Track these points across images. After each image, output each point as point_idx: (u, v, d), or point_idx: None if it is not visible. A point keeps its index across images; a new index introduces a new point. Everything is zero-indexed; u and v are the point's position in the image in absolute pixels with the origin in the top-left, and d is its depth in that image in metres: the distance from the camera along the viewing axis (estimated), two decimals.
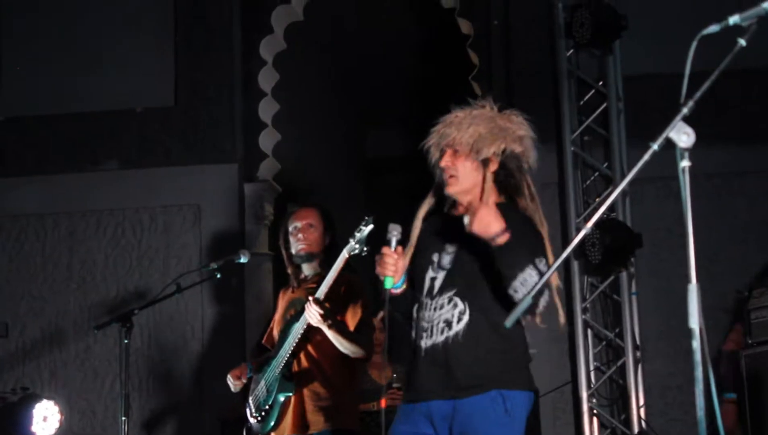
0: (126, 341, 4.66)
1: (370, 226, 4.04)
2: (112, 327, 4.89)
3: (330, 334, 4.31)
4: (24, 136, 6.96)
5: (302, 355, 4.46)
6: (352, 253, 4.14)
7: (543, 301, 3.13)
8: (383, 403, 3.45)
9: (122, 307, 5.92)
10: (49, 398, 5.75)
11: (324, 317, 4.23)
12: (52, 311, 6.71)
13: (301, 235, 4.54)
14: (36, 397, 5.73)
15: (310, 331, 4.35)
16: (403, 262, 3.28)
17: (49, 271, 6.76)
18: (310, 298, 4.26)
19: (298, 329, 4.36)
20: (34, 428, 5.56)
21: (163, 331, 6.56)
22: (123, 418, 4.64)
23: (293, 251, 4.58)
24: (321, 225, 4.58)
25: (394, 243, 3.26)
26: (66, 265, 6.76)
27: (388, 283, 3.26)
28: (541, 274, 3.04)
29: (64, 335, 6.65)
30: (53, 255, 6.79)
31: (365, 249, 4.09)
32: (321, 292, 4.26)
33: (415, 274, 3.39)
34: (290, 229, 4.60)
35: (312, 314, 4.23)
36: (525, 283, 3.04)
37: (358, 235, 4.08)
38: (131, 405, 4.85)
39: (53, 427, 5.67)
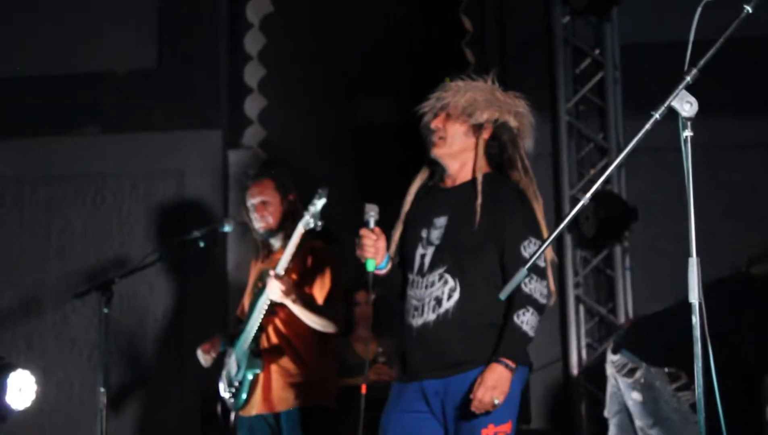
0: (106, 310, 4.60)
1: (323, 200, 3.99)
2: (90, 296, 4.86)
3: (295, 309, 4.18)
4: (0, 97, 6.75)
5: (270, 330, 4.34)
6: (307, 228, 4.06)
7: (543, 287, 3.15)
8: (363, 388, 3.35)
9: (102, 276, 5.78)
10: (24, 368, 5.63)
11: (286, 292, 4.10)
12: (28, 280, 6.57)
13: (257, 215, 4.40)
14: (11, 367, 5.59)
15: (277, 304, 4.23)
16: (384, 242, 3.22)
17: (26, 238, 6.62)
18: (271, 272, 4.14)
19: (262, 303, 4.24)
20: (8, 399, 5.44)
21: (143, 300, 6.42)
22: (102, 389, 4.58)
23: (255, 227, 4.46)
24: (276, 197, 4.41)
25: (372, 223, 3.19)
26: (44, 232, 6.60)
27: (370, 266, 3.19)
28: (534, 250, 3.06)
29: (41, 304, 6.52)
30: (30, 222, 6.63)
31: (320, 223, 4.04)
32: (281, 267, 4.14)
33: (405, 251, 3.34)
34: (248, 205, 4.46)
35: (273, 290, 4.11)
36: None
37: (312, 208, 4.02)
38: (110, 376, 4.73)
39: (29, 398, 5.55)
